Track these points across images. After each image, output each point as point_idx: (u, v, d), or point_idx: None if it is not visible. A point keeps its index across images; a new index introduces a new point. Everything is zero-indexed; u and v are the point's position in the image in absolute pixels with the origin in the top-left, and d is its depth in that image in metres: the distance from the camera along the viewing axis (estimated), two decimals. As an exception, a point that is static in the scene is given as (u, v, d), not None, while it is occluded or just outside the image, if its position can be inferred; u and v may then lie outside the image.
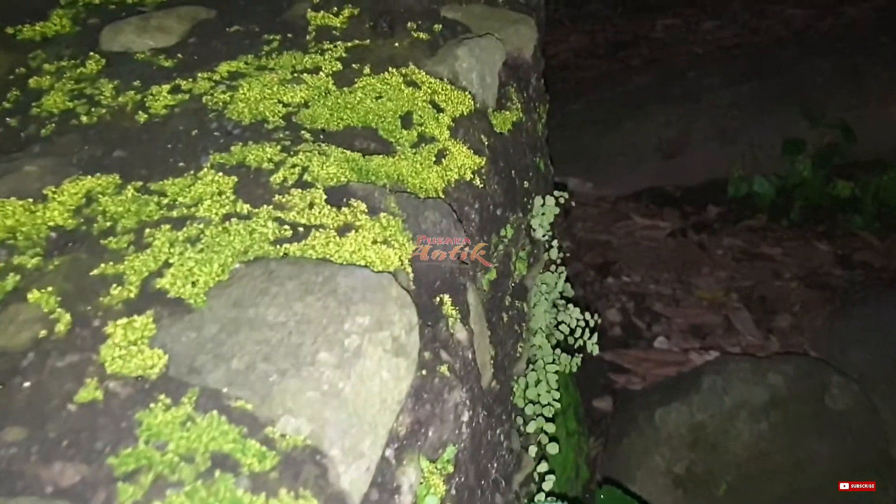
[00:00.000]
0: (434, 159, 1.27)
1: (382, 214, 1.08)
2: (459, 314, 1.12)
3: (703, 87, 3.87)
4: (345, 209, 1.07)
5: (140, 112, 1.32)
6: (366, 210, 1.08)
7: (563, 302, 1.82)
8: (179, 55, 1.49)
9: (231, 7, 1.68)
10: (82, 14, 1.63)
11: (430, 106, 1.37)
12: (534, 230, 1.69)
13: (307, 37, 1.55)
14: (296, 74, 1.40)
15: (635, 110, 3.91)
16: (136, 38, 1.53)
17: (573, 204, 3.97)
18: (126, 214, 1.07)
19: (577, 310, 1.83)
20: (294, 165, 1.15)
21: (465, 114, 1.40)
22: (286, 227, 1.03)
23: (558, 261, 1.77)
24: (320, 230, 1.02)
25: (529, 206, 1.62)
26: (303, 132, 1.25)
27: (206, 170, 1.15)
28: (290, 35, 1.55)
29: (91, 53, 1.49)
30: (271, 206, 1.07)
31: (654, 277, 3.42)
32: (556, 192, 1.84)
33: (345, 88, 1.37)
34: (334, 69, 1.42)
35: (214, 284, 0.94)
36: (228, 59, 1.46)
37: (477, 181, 1.31)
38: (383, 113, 1.32)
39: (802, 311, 3.19)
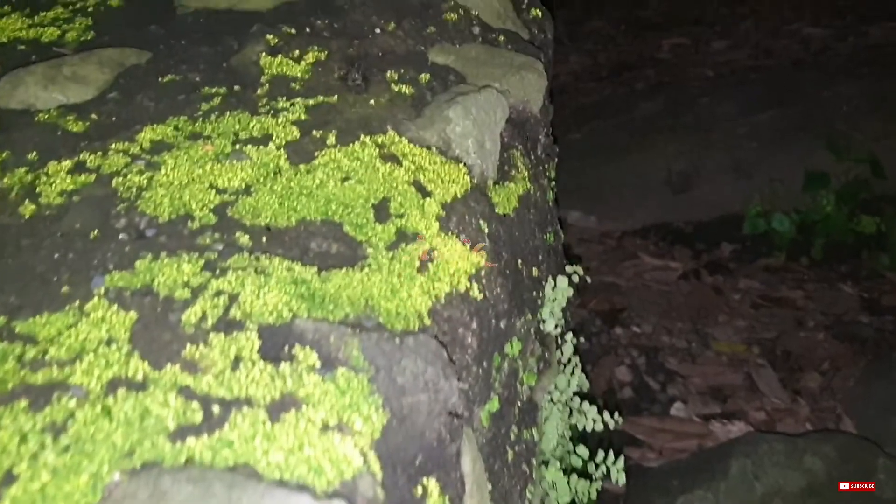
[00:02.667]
0: (418, 266, 0.94)
1: (340, 372, 0.76)
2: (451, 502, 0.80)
3: (717, 115, 3.56)
4: (285, 366, 0.75)
5: (27, 201, 0.99)
6: (316, 365, 0.76)
7: (577, 403, 1.50)
8: (94, 115, 1.17)
9: (169, 48, 1.35)
10: (-22, 59, 1.31)
11: (413, 189, 1.04)
12: (543, 322, 1.37)
13: (258, 90, 1.22)
14: (238, 146, 1.07)
15: (642, 139, 3.60)
16: (42, 93, 1.21)
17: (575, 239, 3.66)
18: (-30, 375, 0.74)
19: (594, 408, 1.52)
20: (219, 293, 0.82)
21: (459, 195, 1.08)
22: (195, 404, 0.70)
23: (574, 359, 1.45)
24: (245, 409, 0.70)
25: (539, 300, 1.30)
26: (238, 234, 0.92)
27: (96, 299, 0.82)
28: (237, 87, 1.23)
29: (-23, 114, 1.16)
30: (178, 366, 0.74)
31: (667, 327, 3.10)
32: (567, 268, 1.52)
33: (301, 166, 1.05)
34: (289, 138, 1.10)
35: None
36: (155, 121, 1.14)
37: (475, 290, 0.98)
38: (351, 201, 1.00)
39: (832, 369, 2.88)
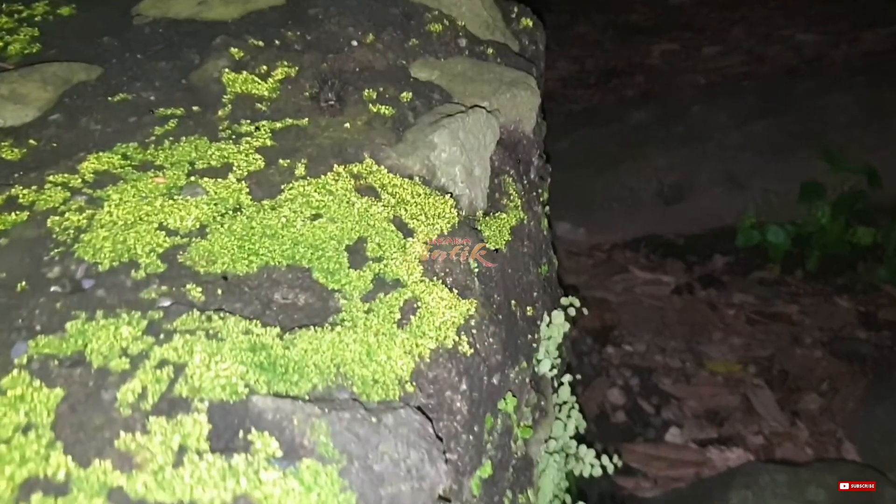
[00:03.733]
0: (397, 319, 0.82)
1: (306, 464, 0.63)
2: None
3: (710, 124, 3.45)
4: (239, 459, 0.62)
5: (-55, 245, 0.86)
6: (277, 454, 0.63)
7: (574, 447, 1.38)
8: (32, 141, 1.03)
9: (122, 63, 1.22)
10: None
11: (392, 227, 0.92)
12: (538, 363, 1.25)
13: (220, 111, 1.09)
14: (193, 178, 0.94)
15: (633, 149, 3.49)
16: (-25, 114, 1.07)
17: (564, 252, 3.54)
18: None
19: (592, 452, 1.40)
20: (162, 363, 0.69)
21: (445, 231, 0.96)
22: (125, 517, 0.57)
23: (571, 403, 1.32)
24: (188, 521, 0.57)
25: (535, 343, 1.18)
26: (189, 286, 0.79)
27: (16, 372, 0.68)
28: (195, 108, 1.10)
29: None
30: (109, 461, 0.61)
31: (660, 345, 2.99)
32: (563, 299, 1.40)
33: (265, 202, 0.92)
34: (252, 168, 0.97)
35: None
36: (101, 147, 1.01)
37: (464, 344, 0.86)
38: (322, 242, 0.87)
39: (831, 389, 2.77)
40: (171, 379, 0.67)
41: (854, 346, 3.08)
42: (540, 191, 1.33)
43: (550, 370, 1.26)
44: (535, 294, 1.19)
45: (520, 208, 1.17)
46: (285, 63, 1.19)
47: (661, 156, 3.45)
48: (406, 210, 0.95)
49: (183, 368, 0.68)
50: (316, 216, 0.90)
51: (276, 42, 1.27)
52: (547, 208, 1.41)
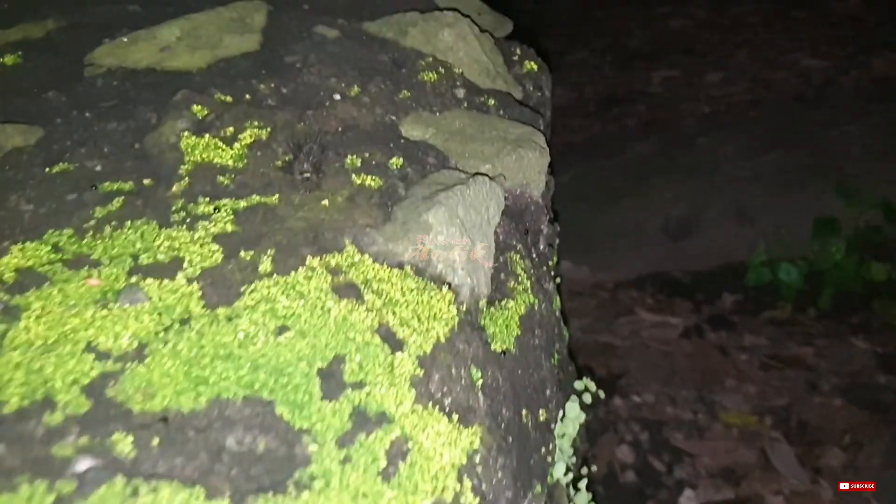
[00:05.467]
0: (383, 469, 0.65)
1: None
2: None
3: (717, 156, 3.30)
4: None
5: None
6: None
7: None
8: (-54, 226, 0.86)
9: (68, 123, 1.05)
10: None
11: (377, 339, 0.75)
12: (552, 468, 1.07)
13: (175, 185, 0.92)
14: (135, 278, 0.77)
15: (637, 183, 3.33)
16: None
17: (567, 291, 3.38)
18: None
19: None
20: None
21: (442, 339, 0.79)
22: None
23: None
24: None
25: (550, 455, 1.00)
26: (116, 436, 0.62)
27: None
28: (147, 181, 0.93)
29: None
30: None
31: (670, 395, 2.82)
32: (577, 383, 1.24)
33: (220, 310, 0.74)
34: (207, 263, 0.80)
35: None
36: (30, 235, 0.84)
37: (467, 494, 0.68)
38: (288, 366, 0.70)
39: (854, 443, 2.60)
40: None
41: (875, 393, 2.92)
42: (550, 264, 1.16)
43: (565, 474, 1.09)
44: (548, 392, 1.02)
45: (529, 291, 1.00)
46: (255, 123, 1.02)
47: (666, 189, 3.30)
48: (395, 313, 0.78)
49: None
50: (282, 329, 0.73)
51: (247, 96, 1.10)
52: (559, 279, 1.24)
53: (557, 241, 1.44)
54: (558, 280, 1.33)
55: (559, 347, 1.23)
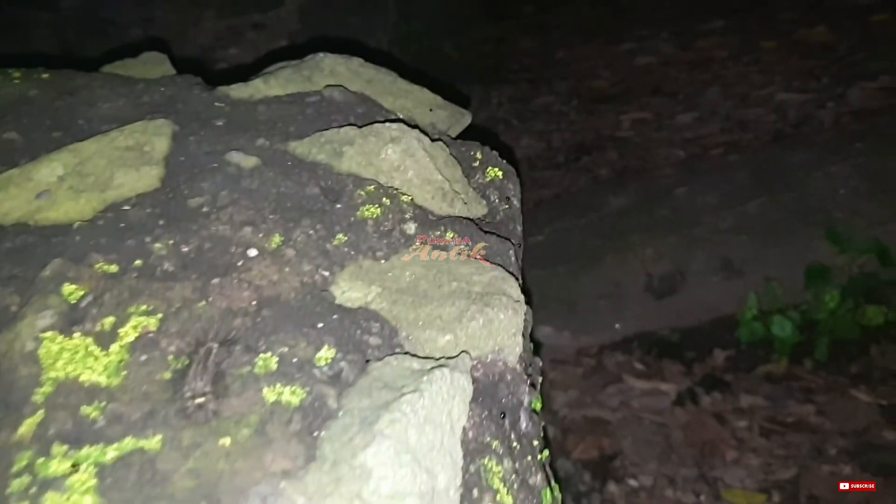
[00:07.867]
0: None
1: None
2: None
3: (697, 206, 3.11)
4: None
5: None
6: None
7: None
8: None
9: None
10: None
11: None
12: None
13: (23, 424, 0.68)
14: None
15: (616, 241, 3.12)
16: None
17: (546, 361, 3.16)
18: None
19: None
20: None
21: None
22: None
23: None
24: None
25: None
26: None
27: None
28: (-13, 420, 0.69)
29: None
30: None
31: (669, 475, 2.59)
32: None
33: None
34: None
35: None
36: None
37: None
38: None
39: (872, 520, 2.39)
40: None
41: (884, 456, 2.73)
42: (536, 443, 0.93)
43: None
44: None
45: (509, 505, 0.77)
46: (143, 307, 0.79)
47: (646, 245, 3.10)
48: None
49: None
50: None
51: (137, 261, 0.87)
52: (546, 458, 1.00)
53: (540, 365, 1.20)
54: (543, 426, 1.10)
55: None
